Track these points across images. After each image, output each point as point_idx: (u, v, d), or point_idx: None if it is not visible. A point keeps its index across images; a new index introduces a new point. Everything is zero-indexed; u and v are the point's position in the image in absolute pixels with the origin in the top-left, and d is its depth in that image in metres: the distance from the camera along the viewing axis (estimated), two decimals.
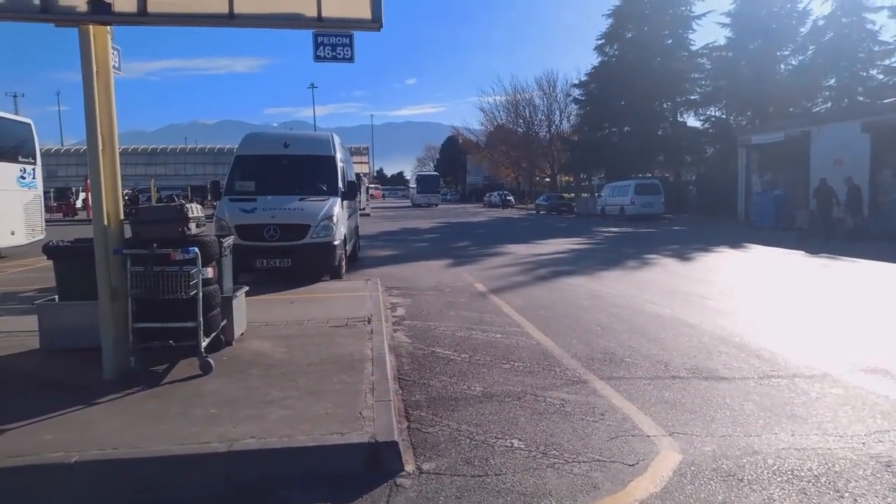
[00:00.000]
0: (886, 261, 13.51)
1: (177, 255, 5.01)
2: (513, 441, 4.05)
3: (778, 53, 36.88)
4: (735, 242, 18.65)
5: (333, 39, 6.27)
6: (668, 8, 41.90)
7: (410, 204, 68.44)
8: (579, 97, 50.53)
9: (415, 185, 71.55)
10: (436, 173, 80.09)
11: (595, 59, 47.52)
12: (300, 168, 11.44)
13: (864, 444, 3.96)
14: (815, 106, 35.74)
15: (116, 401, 4.48)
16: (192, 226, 5.36)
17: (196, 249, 5.05)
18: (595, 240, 21.42)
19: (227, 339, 5.95)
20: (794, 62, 37.07)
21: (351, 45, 6.25)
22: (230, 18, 5.15)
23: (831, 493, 3.33)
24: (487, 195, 67.02)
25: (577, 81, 51.79)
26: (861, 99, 33.31)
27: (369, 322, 7.00)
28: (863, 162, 21.66)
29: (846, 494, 3.32)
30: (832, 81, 35.68)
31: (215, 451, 3.57)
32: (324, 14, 5.31)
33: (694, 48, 42.46)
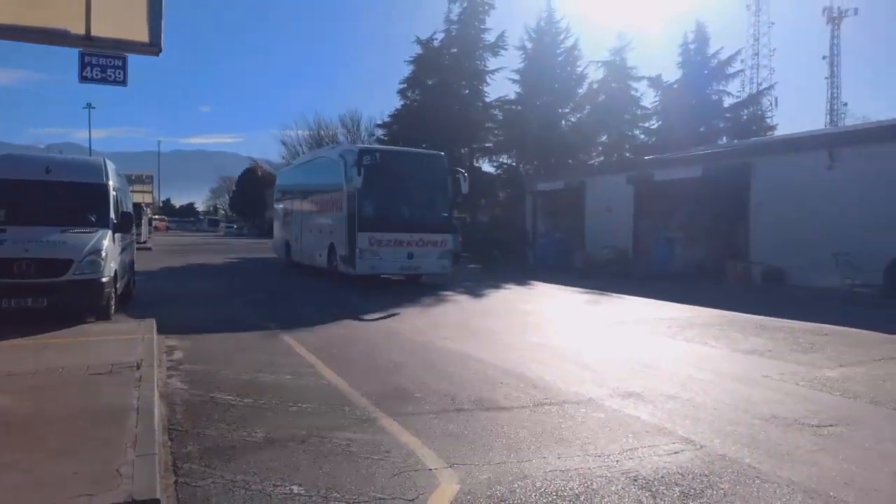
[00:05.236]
0: (648, 297, 15.38)
1: None
2: (292, 487, 3.87)
3: (560, 110, 41.15)
4: (521, 280, 20.09)
5: (104, 60, 5.71)
6: (465, 61, 44.71)
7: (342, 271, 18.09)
8: (382, 137, 51.70)
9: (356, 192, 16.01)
10: (440, 153, 21.83)
11: (398, 102, 49.03)
12: (65, 196, 10.15)
13: (617, 461, 4.37)
14: (591, 159, 40.34)
15: None
16: None
17: None
18: None
19: None
20: (573, 119, 41.65)
21: (124, 68, 5.74)
22: None
23: None
24: None
25: (380, 122, 53.03)
26: (627, 155, 38.31)
27: (139, 368, 6.31)
28: (628, 210, 24.69)
29: None
30: (604, 138, 40.68)
31: None
32: (93, 33, 4.85)
33: (488, 100, 45.68)
